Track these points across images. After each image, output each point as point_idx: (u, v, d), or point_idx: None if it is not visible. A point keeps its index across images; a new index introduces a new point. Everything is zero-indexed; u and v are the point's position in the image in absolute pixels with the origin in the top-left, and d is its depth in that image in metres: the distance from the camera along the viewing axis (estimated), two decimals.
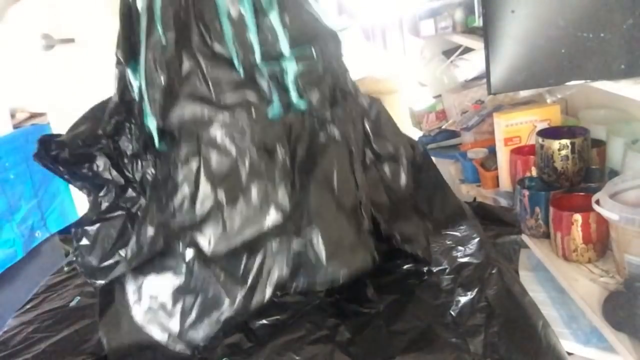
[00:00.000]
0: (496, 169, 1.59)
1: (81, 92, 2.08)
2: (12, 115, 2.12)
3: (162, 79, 0.60)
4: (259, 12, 0.61)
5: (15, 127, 2.06)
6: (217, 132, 0.59)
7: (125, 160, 0.68)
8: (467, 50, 1.93)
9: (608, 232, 1.17)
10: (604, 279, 1.16)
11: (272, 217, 0.58)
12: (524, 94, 1.62)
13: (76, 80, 2.08)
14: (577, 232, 1.20)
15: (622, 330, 1.03)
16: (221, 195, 0.58)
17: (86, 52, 2.04)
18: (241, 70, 0.60)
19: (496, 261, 0.63)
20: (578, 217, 1.18)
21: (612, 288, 1.12)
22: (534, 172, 1.39)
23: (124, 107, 0.66)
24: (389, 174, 0.69)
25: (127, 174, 0.68)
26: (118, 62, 0.65)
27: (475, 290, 0.60)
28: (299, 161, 0.60)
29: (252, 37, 0.60)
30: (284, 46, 0.61)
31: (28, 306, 0.79)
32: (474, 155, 1.73)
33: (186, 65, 0.59)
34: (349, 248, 0.59)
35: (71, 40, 2.00)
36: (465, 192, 1.78)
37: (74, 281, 0.84)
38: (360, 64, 2.62)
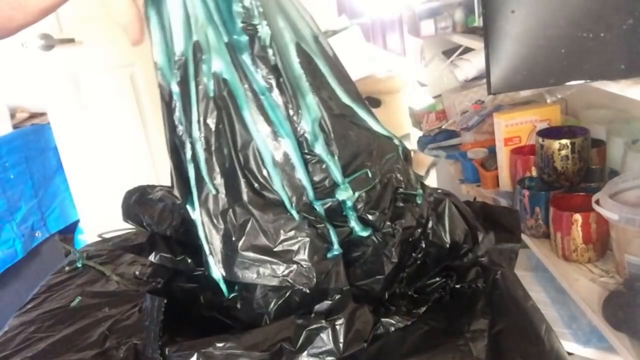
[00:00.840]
0: (496, 169, 1.59)
1: (81, 92, 2.09)
2: (12, 115, 2.12)
3: (220, 232, 0.58)
4: (304, 148, 0.58)
5: (15, 127, 2.06)
6: (279, 280, 0.57)
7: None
8: (467, 50, 1.93)
9: (608, 232, 1.17)
10: (604, 279, 1.16)
11: None
12: (524, 94, 1.62)
13: (76, 80, 2.08)
14: (577, 232, 1.20)
15: (622, 330, 1.03)
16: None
17: (86, 52, 2.05)
18: (295, 214, 0.58)
19: (499, 266, 0.63)
20: (578, 217, 1.18)
21: (612, 288, 1.12)
22: (534, 172, 1.39)
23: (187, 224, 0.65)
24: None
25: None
26: (176, 198, 0.63)
27: (479, 295, 0.60)
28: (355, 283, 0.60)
29: (301, 176, 0.58)
30: (336, 176, 0.58)
31: (29, 306, 0.79)
32: (474, 155, 1.73)
33: (240, 216, 0.57)
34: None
35: (71, 40, 2.00)
36: (465, 192, 1.79)
37: (74, 281, 0.84)
38: (361, 64, 2.62)
